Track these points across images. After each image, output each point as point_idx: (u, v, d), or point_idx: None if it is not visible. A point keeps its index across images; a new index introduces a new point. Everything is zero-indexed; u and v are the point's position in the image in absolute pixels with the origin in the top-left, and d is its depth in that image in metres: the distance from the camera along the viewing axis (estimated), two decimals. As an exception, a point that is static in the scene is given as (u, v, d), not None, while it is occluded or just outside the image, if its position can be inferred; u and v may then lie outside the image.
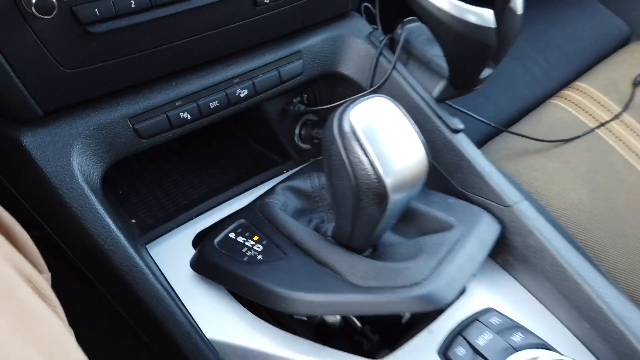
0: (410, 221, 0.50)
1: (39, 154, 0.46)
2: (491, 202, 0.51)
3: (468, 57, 0.51)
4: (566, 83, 0.85)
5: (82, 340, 0.32)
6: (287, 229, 0.49)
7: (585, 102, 0.82)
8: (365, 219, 0.41)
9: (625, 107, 0.82)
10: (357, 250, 0.46)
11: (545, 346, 0.45)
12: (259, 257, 0.49)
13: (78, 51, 0.44)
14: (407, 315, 0.53)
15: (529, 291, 0.51)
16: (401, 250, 0.47)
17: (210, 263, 0.50)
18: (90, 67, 0.45)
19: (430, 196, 0.52)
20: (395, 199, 0.39)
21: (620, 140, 0.78)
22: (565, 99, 0.83)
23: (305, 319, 0.50)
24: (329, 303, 0.43)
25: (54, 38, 0.42)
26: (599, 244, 0.68)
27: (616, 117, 0.81)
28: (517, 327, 0.47)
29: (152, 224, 0.59)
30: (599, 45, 0.91)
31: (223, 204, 0.61)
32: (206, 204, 0.60)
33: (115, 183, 0.63)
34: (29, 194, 0.49)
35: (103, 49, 0.45)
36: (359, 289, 0.43)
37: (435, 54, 0.56)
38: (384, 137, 0.38)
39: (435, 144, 0.54)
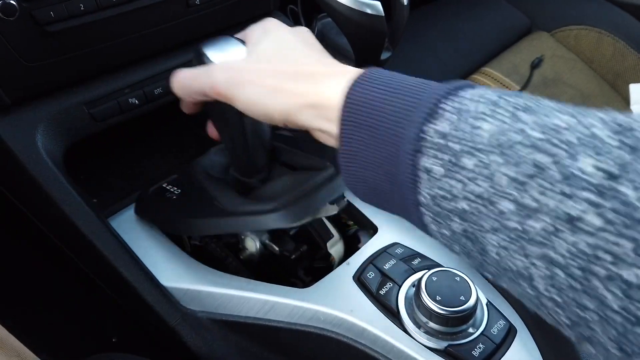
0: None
1: (8, 136, 0.54)
2: (393, 158, 0.62)
3: (367, 42, 0.62)
4: (474, 69, 0.98)
5: (55, 308, 0.38)
6: (196, 177, 0.59)
7: (490, 84, 0.95)
8: (233, 124, 0.50)
9: (525, 86, 0.95)
10: (250, 175, 0.56)
11: (437, 265, 0.56)
12: (174, 197, 0.59)
13: (38, 48, 0.53)
14: (335, 262, 0.63)
15: (428, 228, 0.61)
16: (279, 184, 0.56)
17: (142, 204, 0.62)
18: (49, 61, 0.54)
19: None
20: None
21: (520, 113, 0.91)
22: (473, 82, 0.95)
23: (198, 242, 0.60)
24: (208, 224, 0.54)
25: (17, 37, 0.51)
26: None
27: (516, 94, 0.94)
28: (416, 254, 0.58)
29: (111, 202, 0.68)
30: (502, 36, 1.04)
31: (173, 181, 0.70)
32: (159, 183, 0.69)
33: (77, 169, 0.72)
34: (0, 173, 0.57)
35: (59, 46, 0.54)
36: (233, 213, 0.52)
37: (345, 42, 0.67)
38: (229, 58, 0.46)
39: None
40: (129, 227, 0.63)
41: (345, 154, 0.36)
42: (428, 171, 0.31)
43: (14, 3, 0.48)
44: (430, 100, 0.32)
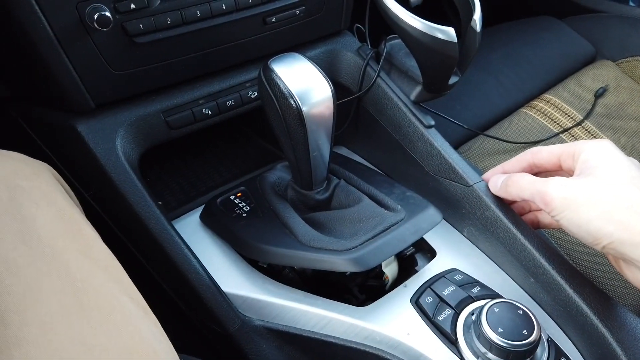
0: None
1: (91, 139, 0.57)
2: (456, 183, 0.62)
3: (437, 66, 0.63)
4: (535, 95, 0.97)
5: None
6: (267, 197, 0.62)
7: (551, 110, 0.93)
8: (296, 138, 0.52)
9: (587, 116, 0.93)
10: (309, 188, 0.58)
11: (498, 296, 0.56)
12: (244, 215, 0.61)
13: (125, 57, 0.56)
14: (388, 282, 0.63)
15: (487, 255, 0.61)
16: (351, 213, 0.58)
17: (210, 215, 0.64)
18: (134, 70, 0.57)
19: (393, 187, 0.63)
20: (309, 116, 0.50)
21: (581, 143, 0.89)
22: (534, 108, 0.94)
23: (265, 266, 0.61)
24: (283, 255, 0.55)
25: (108, 46, 0.54)
26: (561, 231, 0.78)
27: (578, 123, 0.92)
28: (476, 282, 0.57)
29: (175, 206, 0.70)
30: (565, 63, 1.02)
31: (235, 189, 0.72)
32: (221, 189, 0.71)
33: (144, 172, 0.75)
34: (80, 172, 0.60)
35: (144, 56, 0.57)
36: (306, 247, 0.55)
37: (412, 64, 0.68)
38: (295, 74, 0.50)
39: (411, 137, 0.65)
40: (192, 232, 0.65)
41: None
42: None
43: (109, 15, 0.51)
44: None
